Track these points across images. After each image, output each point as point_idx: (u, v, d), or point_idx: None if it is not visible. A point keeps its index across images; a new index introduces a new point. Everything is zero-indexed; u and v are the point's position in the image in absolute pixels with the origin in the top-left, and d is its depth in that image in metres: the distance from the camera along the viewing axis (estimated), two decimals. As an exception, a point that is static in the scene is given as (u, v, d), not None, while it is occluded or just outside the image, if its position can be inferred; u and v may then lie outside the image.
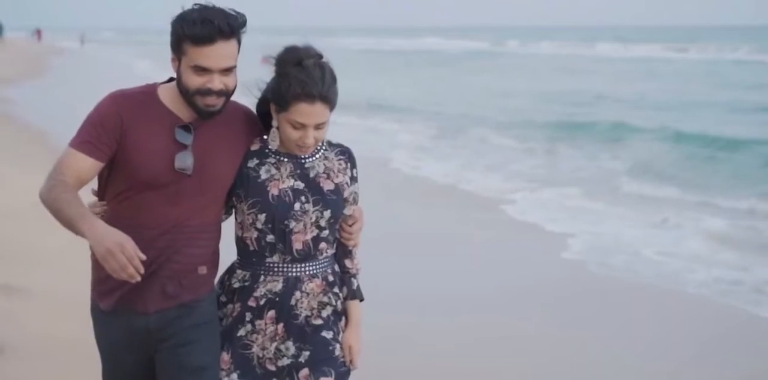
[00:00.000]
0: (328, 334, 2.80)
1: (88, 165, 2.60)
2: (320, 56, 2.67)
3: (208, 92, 2.59)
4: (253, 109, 2.83)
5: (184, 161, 2.63)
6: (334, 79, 2.65)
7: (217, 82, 2.58)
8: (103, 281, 2.67)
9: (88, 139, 2.60)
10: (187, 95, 2.62)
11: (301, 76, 2.60)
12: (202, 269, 2.74)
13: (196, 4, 2.58)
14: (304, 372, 2.76)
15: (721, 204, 10.20)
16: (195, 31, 2.53)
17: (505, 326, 5.85)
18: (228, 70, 2.60)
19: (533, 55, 56.49)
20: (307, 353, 2.76)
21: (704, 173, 12.48)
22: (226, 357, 2.76)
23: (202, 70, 2.57)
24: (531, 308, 6.29)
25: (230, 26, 2.55)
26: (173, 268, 2.68)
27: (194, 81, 2.59)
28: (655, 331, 5.89)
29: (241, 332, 2.76)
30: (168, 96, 2.68)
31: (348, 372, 2.86)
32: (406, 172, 12.42)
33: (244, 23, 2.61)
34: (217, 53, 2.55)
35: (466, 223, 9.04)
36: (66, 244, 5.03)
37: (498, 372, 5.12)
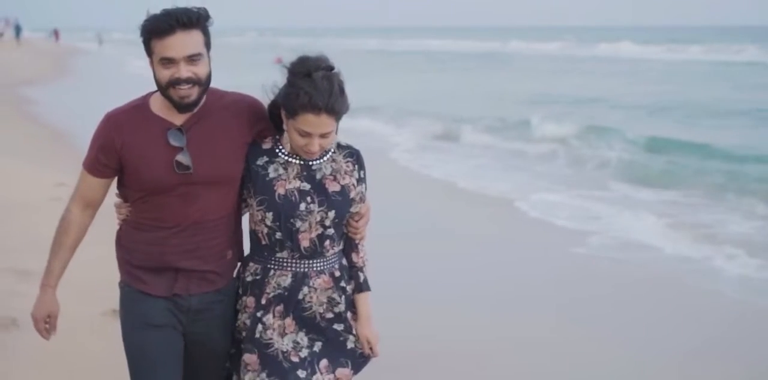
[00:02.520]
0: (338, 326, 2.92)
1: (96, 185, 2.83)
2: (330, 68, 2.72)
3: (177, 82, 2.65)
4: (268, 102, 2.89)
5: (183, 161, 2.72)
6: (341, 91, 2.70)
7: (183, 71, 2.64)
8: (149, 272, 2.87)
9: (91, 161, 2.81)
10: (163, 91, 2.69)
11: (309, 87, 2.65)
12: (229, 254, 2.89)
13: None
14: (324, 362, 2.87)
15: (732, 206, 10.20)
16: (155, 25, 2.63)
17: (518, 323, 5.86)
18: (193, 59, 2.65)
19: (536, 57, 55.76)
20: (319, 343, 2.88)
21: (709, 176, 12.44)
22: (254, 358, 2.84)
23: (168, 61, 2.64)
24: (545, 304, 6.30)
25: (188, 17, 2.62)
26: (205, 259, 2.83)
27: (164, 74, 2.66)
28: (670, 327, 5.90)
29: (258, 333, 2.85)
30: (157, 103, 2.77)
31: (365, 362, 2.98)
32: (410, 171, 12.41)
33: (206, 16, 2.68)
34: (178, 43, 2.62)
35: (473, 222, 9.02)
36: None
37: (507, 370, 5.12)
